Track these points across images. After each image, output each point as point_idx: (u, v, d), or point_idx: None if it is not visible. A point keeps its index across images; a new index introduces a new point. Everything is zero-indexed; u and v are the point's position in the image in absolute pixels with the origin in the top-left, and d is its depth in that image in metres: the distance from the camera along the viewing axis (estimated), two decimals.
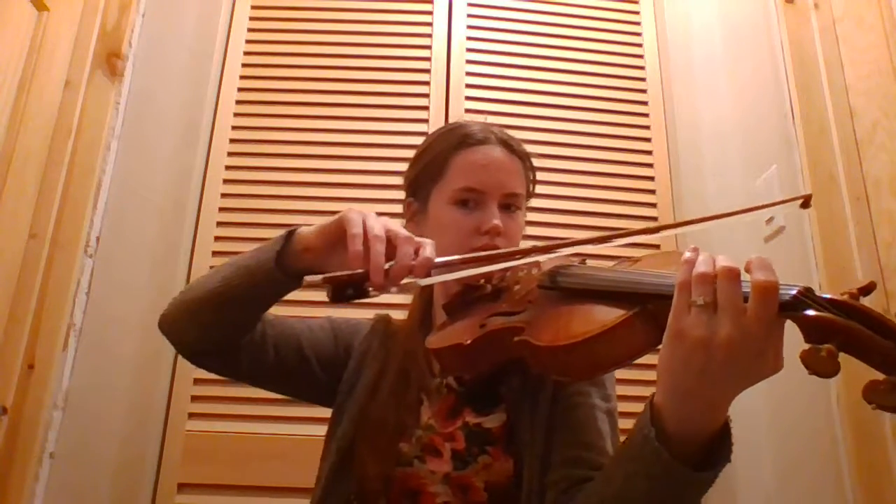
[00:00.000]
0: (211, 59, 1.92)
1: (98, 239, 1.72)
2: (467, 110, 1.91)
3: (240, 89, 1.92)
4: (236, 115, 1.89)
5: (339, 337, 1.00)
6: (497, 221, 0.89)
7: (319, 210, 1.79)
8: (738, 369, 0.52)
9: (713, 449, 0.58)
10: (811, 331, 0.48)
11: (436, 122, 1.86)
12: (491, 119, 1.86)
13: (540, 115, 1.93)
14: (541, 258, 0.79)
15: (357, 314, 1.07)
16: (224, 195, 1.81)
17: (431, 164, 0.96)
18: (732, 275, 0.53)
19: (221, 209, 1.79)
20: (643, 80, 2.01)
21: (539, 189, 1.81)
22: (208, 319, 0.86)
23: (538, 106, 1.94)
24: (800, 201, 0.81)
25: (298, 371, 0.95)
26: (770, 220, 1.60)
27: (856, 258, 1.31)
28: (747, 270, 0.53)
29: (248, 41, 1.97)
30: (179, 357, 1.61)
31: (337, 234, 0.74)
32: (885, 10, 1.33)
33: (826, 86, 1.46)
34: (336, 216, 0.76)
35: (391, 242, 0.71)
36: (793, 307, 0.50)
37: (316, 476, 0.93)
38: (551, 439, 0.81)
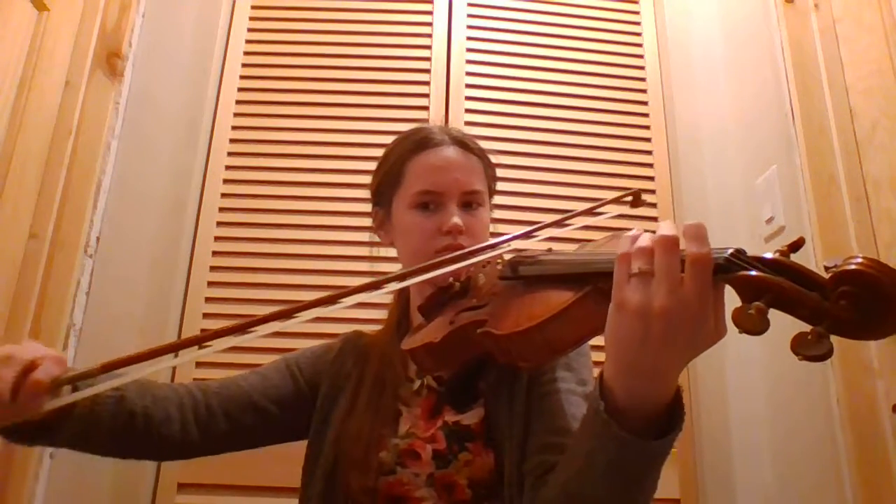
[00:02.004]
0: (211, 59, 1.92)
1: (98, 239, 1.73)
2: (467, 110, 1.91)
3: (240, 89, 1.91)
4: (236, 115, 1.89)
5: (298, 374, 0.99)
6: (457, 220, 0.89)
7: (319, 210, 1.80)
8: (678, 337, 0.52)
9: (667, 419, 0.57)
10: (743, 290, 0.49)
11: (436, 122, 1.86)
12: (491, 119, 1.88)
13: (540, 115, 1.93)
14: (470, 261, 0.79)
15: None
16: (224, 195, 1.80)
17: (390, 172, 0.97)
18: (668, 243, 0.52)
19: (221, 209, 1.79)
20: (643, 80, 2.00)
21: (539, 189, 1.86)
22: (91, 450, 0.85)
23: (538, 106, 1.94)
24: (629, 199, 0.84)
25: (259, 425, 0.94)
26: (770, 219, 1.61)
27: None
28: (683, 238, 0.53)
29: (248, 41, 1.97)
30: (179, 357, 1.62)
31: None
32: (885, 10, 1.33)
33: (826, 86, 1.46)
34: None
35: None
36: (725, 269, 0.51)
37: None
38: (528, 428, 0.81)
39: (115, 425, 0.83)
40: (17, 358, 0.65)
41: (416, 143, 0.96)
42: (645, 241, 0.54)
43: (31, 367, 0.65)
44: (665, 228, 0.54)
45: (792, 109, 1.54)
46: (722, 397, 1.70)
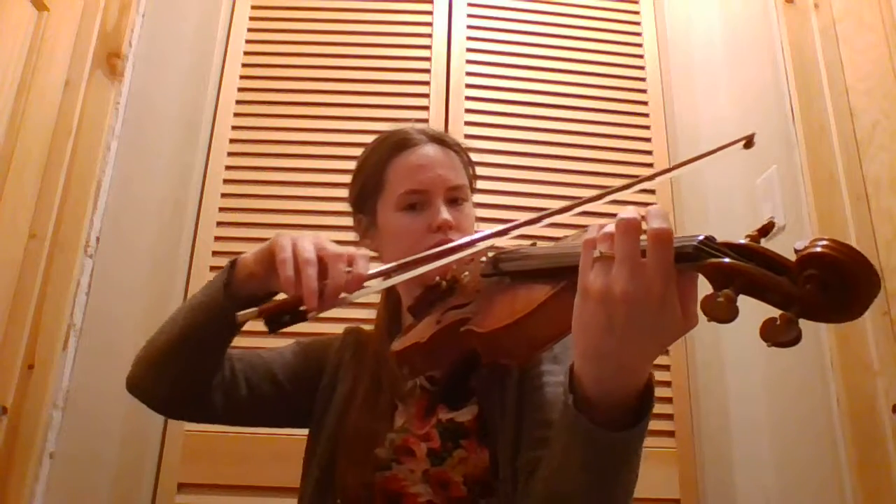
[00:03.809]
0: (211, 59, 1.92)
1: (98, 239, 1.73)
2: (467, 110, 1.91)
3: (240, 89, 1.91)
4: (236, 115, 1.89)
5: (310, 356, 1.01)
6: (446, 216, 0.89)
7: (320, 210, 1.80)
8: (643, 323, 0.50)
9: (639, 408, 0.56)
10: (713, 277, 0.48)
11: (436, 123, 1.86)
12: (491, 119, 1.88)
13: (540, 115, 1.93)
14: (479, 246, 0.79)
15: (327, 329, 1.08)
16: (224, 195, 1.80)
17: (371, 177, 0.97)
18: (627, 225, 0.51)
19: (221, 209, 1.79)
20: (643, 80, 2.00)
21: (539, 189, 1.86)
22: (175, 370, 0.87)
23: (538, 106, 1.94)
24: (742, 143, 0.83)
25: (275, 398, 0.95)
26: (770, 219, 1.61)
27: None
28: (644, 221, 0.52)
29: (248, 41, 1.97)
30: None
31: (271, 260, 0.76)
32: (885, 10, 1.33)
33: (826, 86, 1.46)
34: (269, 240, 0.78)
35: (322, 262, 0.72)
36: (694, 257, 0.50)
37: (298, 496, 0.93)
38: (520, 424, 0.81)
39: (219, 359, 0.90)
40: (345, 255, 0.74)
41: (394, 145, 0.96)
42: (609, 226, 0.54)
43: (350, 261, 0.74)
44: (625, 212, 0.53)
45: (792, 109, 1.54)
46: (722, 397, 1.70)
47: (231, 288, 0.82)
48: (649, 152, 1.92)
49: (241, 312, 0.69)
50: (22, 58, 1.49)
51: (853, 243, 1.36)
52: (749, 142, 0.82)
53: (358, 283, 0.72)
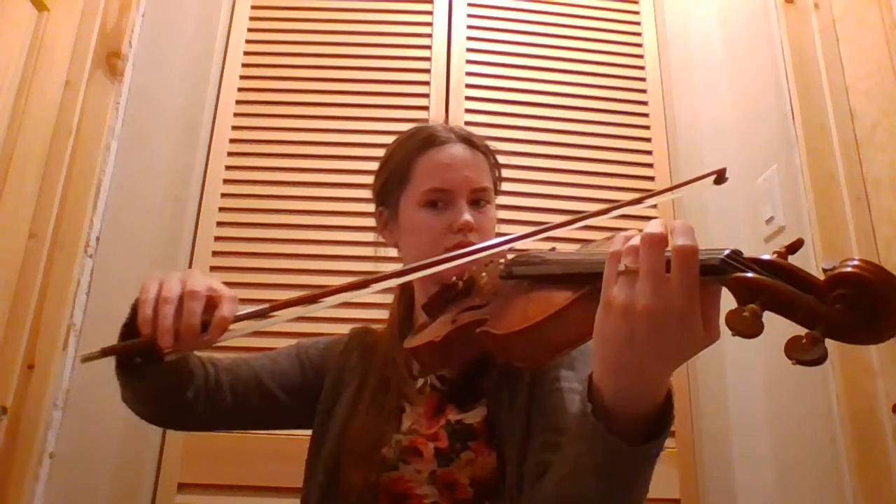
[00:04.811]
0: (211, 59, 1.92)
1: (98, 239, 1.73)
2: (467, 110, 1.91)
3: (240, 89, 1.91)
4: (236, 115, 1.88)
5: (307, 362, 1.00)
6: (468, 217, 0.89)
7: (319, 210, 1.80)
8: (665, 338, 0.51)
9: (658, 421, 0.56)
10: (738, 291, 0.48)
11: (437, 121, 1.86)
12: (491, 119, 1.88)
13: (540, 115, 1.93)
14: (479, 255, 0.79)
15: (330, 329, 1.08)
16: (224, 195, 1.80)
17: (396, 171, 0.96)
18: (652, 240, 0.51)
19: (221, 209, 1.79)
20: (643, 80, 2.00)
21: (539, 189, 1.86)
22: (138, 390, 0.86)
23: (538, 106, 1.94)
24: (713, 177, 0.83)
25: (264, 407, 0.95)
26: (770, 219, 1.61)
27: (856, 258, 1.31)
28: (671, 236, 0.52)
29: (248, 41, 1.97)
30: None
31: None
32: (885, 10, 1.33)
33: (826, 86, 1.46)
34: None
35: (182, 301, 0.70)
36: (720, 271, 0.50)
37: (301, 498, 0.93)
38: (529, 428, 0.81)
39: (177, 378, 0.86)
40: (202, 293, 0.70)
41: (422, 141, 0.95)
42: (636, 239, 0.53)
43: (214, 302, 0.71)
44: (651, 226, 0.52)
45: (792, 109, 1.54)
46: (722, 398, 1.70)
47: (133, 324, 0.78)
48: (649, 152, 1.92)
49: (83, 354, 0.68)
50: (22, 58, 1.49)
51: (853, 243, 1.37)
52: (720, 177, 0.83)
53: (221, 325, 0.70)
